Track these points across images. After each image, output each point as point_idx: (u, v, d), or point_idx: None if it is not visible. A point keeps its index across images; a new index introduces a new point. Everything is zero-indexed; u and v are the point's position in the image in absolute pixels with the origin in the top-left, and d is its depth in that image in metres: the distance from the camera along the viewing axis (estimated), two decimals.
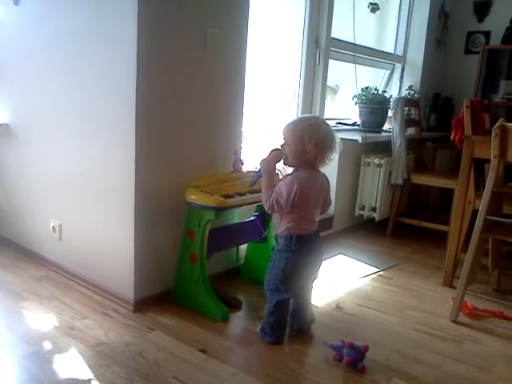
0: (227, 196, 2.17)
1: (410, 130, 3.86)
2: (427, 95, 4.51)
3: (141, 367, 1.80)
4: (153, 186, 2.20)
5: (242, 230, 2.58)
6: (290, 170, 2.04)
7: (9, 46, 2.67)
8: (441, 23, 4.46)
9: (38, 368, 1.75)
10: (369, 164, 3.61)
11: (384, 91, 3.95)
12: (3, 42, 2.69)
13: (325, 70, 3.40)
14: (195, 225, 2.20)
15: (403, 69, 4.39)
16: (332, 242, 3.40)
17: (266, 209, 1.97)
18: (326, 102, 3.54)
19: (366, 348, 1.91)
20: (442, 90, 4.66)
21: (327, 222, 3.43)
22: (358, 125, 3.80)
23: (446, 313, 2.41)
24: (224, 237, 2.46)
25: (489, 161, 2.33)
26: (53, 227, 2.59)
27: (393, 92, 4.32)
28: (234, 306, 2.34)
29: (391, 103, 3.68)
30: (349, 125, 3.85)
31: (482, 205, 2.31)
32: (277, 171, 2.07)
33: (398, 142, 3.62)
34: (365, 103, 3.68)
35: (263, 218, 2.55)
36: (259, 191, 2.11)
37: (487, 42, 4.43)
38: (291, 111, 3.38)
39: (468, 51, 4.58)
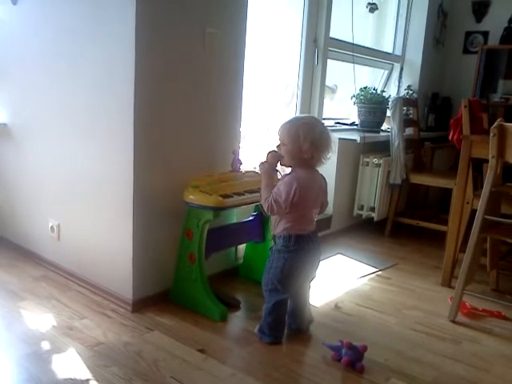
0: (226, 196, 2.17)
1: (409, 130, 3.86)
2: (426, 95, 4.52)
3: (139, 367, 1.80)
4: (151, 186, 2.20)
5: (240, 229, 2.58)
6: (288, 170, 2.04)
7: (6, 46, 2.67)
8: (439, 22, 4.46)
9: (37, 368, 1.75)
10: (367, 164, 3.61)
11: (382, 91, 3.96)
12: (1, 42, 2.69)
13: (323, 69, 3.40)
14: (194, 225, 2.20)
15: (402, 68, 4.39)
16: (330, 241, 3.40)
17: (265, 209, 1.96)
18: (325, 101, 3.54)
19: (365, 348, 1.91)
20: (441, 89, 4.67)
21: (326, 222, 3.43)
22: (357, 125, 3.80)
23: (444, 312, 2.41)
24: (222, 237, 2.46)
25: (487, 161, 2.33)
26: (51, 227, 2.58)
27: (391, 92, 4.33)
28: (233, 305, 2.34)
29: (390, 103, 3.67)
30: (347, 124, 3.85)
31: (481, 205, 2.31)
32: (277, 169, 2.06)
33: (396, 142, 3.62)
34: (363, 103, 3.68)
35: (262, 218, 2.55)
36: (257, 191, 2.11)
37: (485, 42, 4.43)
38: (289, 111, 3.38)
39: (466, 51, 4.58)
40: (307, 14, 3.26)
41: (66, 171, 2.46)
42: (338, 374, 1.87)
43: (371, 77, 4.31)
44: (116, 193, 2.22)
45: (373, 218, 3.64)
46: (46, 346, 1.91)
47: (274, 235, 2.04)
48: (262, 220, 2.56)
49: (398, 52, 4.36)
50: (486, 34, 4.45)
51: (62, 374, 1.73)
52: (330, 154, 1.98)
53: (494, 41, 4.38)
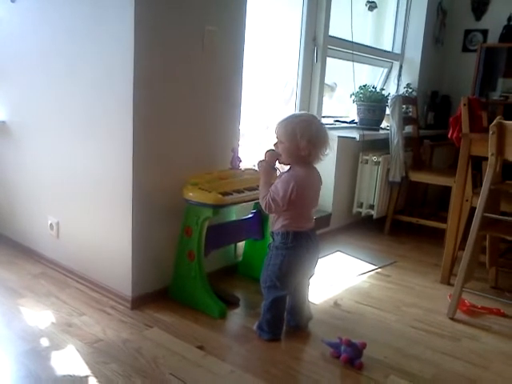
0: (225, 193, 2.17)
1: (408, 128, 3.86)
2: (425, 93, 4.51)
3: (138, 364, 1.80)
4: (150, 183, 2.20)
5: (239, 227, 2.58)
6: (286, 167, 2.04)
7: (5, 44, 2.67)
8: (439, 20, 4.46)
9: (36, 365, 1.75)
10: (367, 162, 3.61)
11: (382, 89, 3.96)
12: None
13: (323, 67, 3.40)
14: (193, 222, 2.20)
15: (401, 67, 4.39)
16: (330, 239, 3.40)
17: (263, 207, 1.97)
18: (324, 99, 3.55)
19: (364, 345, 1.91)
20: (440, 87, 4.67)
21: (325, 220, 3.43)
22: (356, 122, 3.80)
23: (443, 310, 2.41)
24: (222, 234, 2.46)
25: (486, 158, 2.33)
26: (50, 224, 2.58)
27: (391, 90, 4.32)
28: (232, 303, 2.34)
29: (389, 101, 3.67)
30: (347, 122, 3.85)
31: (480, 202, 2.31)
32: (275, 168, 2.06)
33: (395, 140, 3.62)
34: (363, 101, 3.68)
35: (261, 215, 2.55)
36: (257, 188, 2.11)
37: (485, 40, 4.43)
38: (289, 109, 3.38)
39: (466, 49, 4.58)
40: (306, 11, 3.26)
41: (65, 169, 2.46)
42: (337, 371, 1.87)
43: (370, 75, 4.31)
44: (115, 190, 2.21)
45: (372, 215, 3.65)
46: (45, 342, 1.91)
47: (273, 232, 2.04)
48: (261, 217, 2.56)
49: (398, 50, 4.36)
50: (485, 33, 4.44)
51: (60, 371, 1.73)
52: (327, 151, 1.98)
53: (493, 39, 4.38)
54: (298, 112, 3.20)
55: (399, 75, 4.38)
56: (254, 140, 3.17)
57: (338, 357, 1.91)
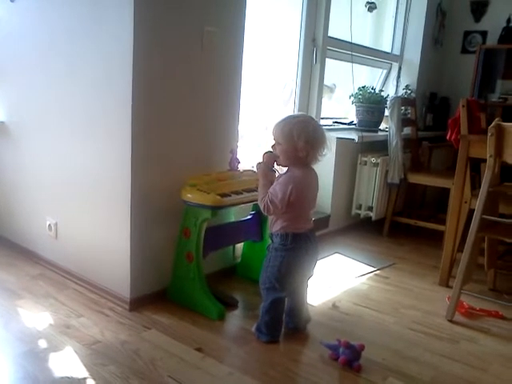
0: (224, 195, 2.17)
1: (407, 130, 3.86)
2: (424, 95, 4.52)
3: (136, 366, 1.80)
4: (149, 184, 2.20)
5: (238, 228, 2.58)
6: (285, 169, 2.04)
7: (4, 44, 2.66)
8: (438, 21, 4.46)
9: (34, 366, 1.75)
10: (365, 163, 3.61)
11: (381, 90, 3.95)
12: None
13: (322, 68, 3.40)
14: (191, 223, 2.20)
15: (400, 68, 4.39)
16: (328, 241, 3.40)
17: (262, 209, 1.97)
18: (323, 100, 3.54)
19: (362, 347, 1.91)
20: (439, 89, 4.67)
21: (324, 221, 3.43)
22: (355, 124, 3.80)
23: (442, 312, 2.41)
24: (220, 235, 2.46)
25: (485, 160, 2.33)
26: (49, 225, 2.58)
27: (389, 91, 4.33)
28: (231, 304, 2.34)
29: (388, 102, 3.68)
30: (345, 124, 3.85)
31: (478, 204, 2.31)
32: (274, 169, 2.06)
33: (394, 142, 3.62)
34: (362, 102, 3.68)
35: (260, 217, 2.55)
36: (255, 190, 2.10)
37: (484, 42, 4.43)
38: (288, 110, 3.38)
39: (465, 51, 4.59)
40: (306, 12, 3.26)
41: (63, 170, 2.46)
42: (336, 373, 1.87)
43: (369, 76, 4.31)
44: (114, 191, 2.21)
45: (371, 217, 3.64)
46: (43, 344, 1.90)
47: (272, 233, 2.04)
48: (259, 219, 2.56)
49: (397, 51, 4.36)
50: (484, 34, 4.45)
51: (58, 373, 1.73)
52: (325, 151, 1.97)
53: (492, 40, 4.38)
54: (294, 113, 3.20)
55: (398, 76, 4.38)
56: (253, 141, 3.16)
57: (337, 359, 1.91)
